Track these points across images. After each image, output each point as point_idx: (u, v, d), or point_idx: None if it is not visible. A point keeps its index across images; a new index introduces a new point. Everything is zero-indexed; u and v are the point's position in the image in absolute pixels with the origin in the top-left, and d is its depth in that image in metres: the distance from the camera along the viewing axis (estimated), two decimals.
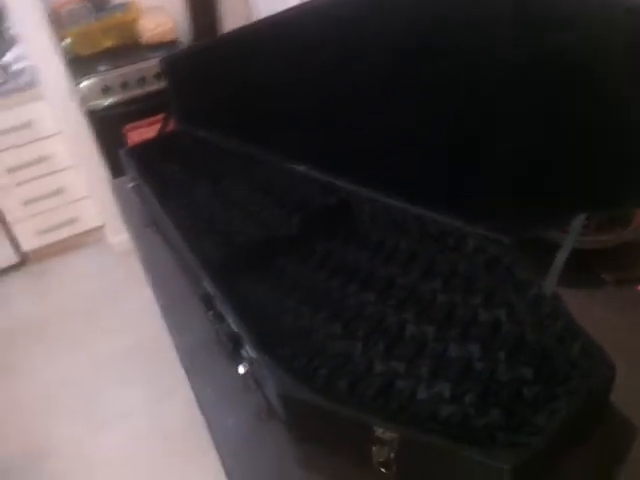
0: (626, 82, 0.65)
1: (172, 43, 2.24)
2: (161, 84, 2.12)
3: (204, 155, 1.29)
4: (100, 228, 2.48)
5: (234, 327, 0.78)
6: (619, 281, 0.86)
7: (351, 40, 0.93)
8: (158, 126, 2.26)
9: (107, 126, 2.15)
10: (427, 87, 0.85)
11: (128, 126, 2.17)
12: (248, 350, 0.75)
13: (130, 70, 2.10)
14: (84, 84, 2.11)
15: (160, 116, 2.33)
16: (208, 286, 0.86)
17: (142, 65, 2.11)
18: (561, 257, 0.74)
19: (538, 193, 0.78)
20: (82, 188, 2.35)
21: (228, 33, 1.15)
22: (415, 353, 0.76)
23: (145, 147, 1.37)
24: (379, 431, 0.61)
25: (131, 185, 1.26)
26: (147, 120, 2.17)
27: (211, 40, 1.42)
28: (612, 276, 0.86)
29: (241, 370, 0.74)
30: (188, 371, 0.86)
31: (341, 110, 1.01)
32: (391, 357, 0.75)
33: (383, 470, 0.64)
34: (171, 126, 1.46)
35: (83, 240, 2.51)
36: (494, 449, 0.59)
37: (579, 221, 0.74)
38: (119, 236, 2.36)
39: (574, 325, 0.69)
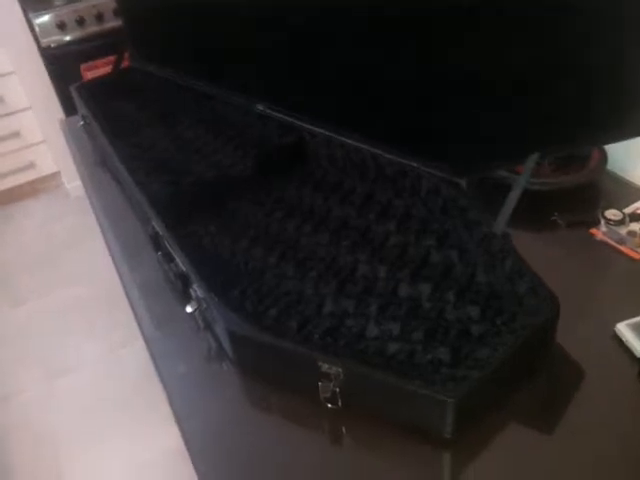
0: (580, 17, 0.63)
1: None
2: (120, 21, 2.01)
3: (158, 93, 1.23)
4: (57, 174, 2.40)
5: (182, 266, 0.76)
6: (571, 224, 0.86)
7: None
8: None
9: (63, 65, 2.04)
10: (381, 23, 0.82)
11: (84, 65, 2.06)
12: (197, 290, 0.73)
13: (87, 5, 1.98)
14: (38, 20, 1.98)
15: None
16: (156, 225, 0.83)
17: (100, 0, 1.98)
18: (512, 197, 0.73)
19: (490, 132, 0.76)
20: (39, 132, 2.25)
21: None
22: (365, 292, 0.75)
23: (97, 84, 1.31)
24: (324, 366, 0.61)
25: (81, 123, 1.20)
26: (105, 59, 2.07)
27: None
28: (564, 218, 0.86)
29: (189, 309, 0.73)
30: (137, 314, 0.84)
31: (298, 46, 0.97)
32: (342, 296, 0.75)
33: (329, 405, 0.64)
34: (126, 62, 1.39)
35: (40, 186, 2.42)
36: (437, 382, 0.59)
37: (532, 161, 0.73)
38: (76, 182, 2.28)
39: (522, 264, 0.69)
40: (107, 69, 2.09)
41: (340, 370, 0.60)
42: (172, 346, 0.78)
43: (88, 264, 2.07)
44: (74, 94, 1.27)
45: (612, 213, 0.84)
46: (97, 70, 2.07)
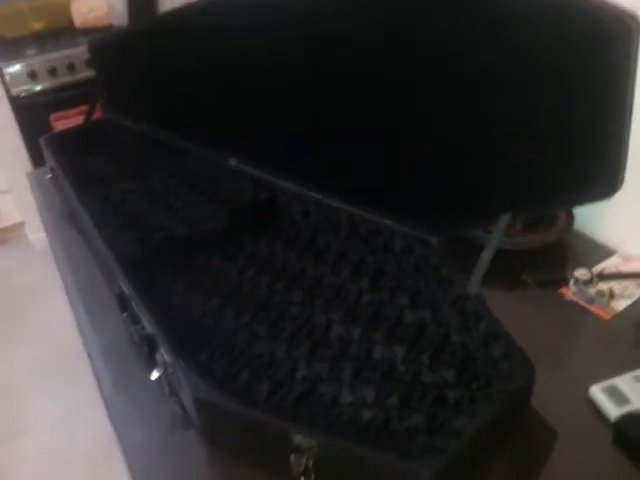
0: (550, 84, 0.65)
1: (107, 29, 2.13)
2: (92, 71, 2.02)
3: (129, 146, 1.22)
4: (21, 224, 2.34)
5: (149, 328, 0.73)
6: (541, 283, 0.87)
7: (285, 26, 0.90)
8: None
9: (32, 115, 2.03)
10: (355, 83, 0.84)
11: (55, 115, 2.05)
12: (163, 354, 0.70)
13: (59, 55, 1.99)
14: (9, 69, 1.98)
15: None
16: (123, 284, 0.81)
17: (72, 51, 2.00)
18: (485, 257, 0.74)
19: (463, 192, 0.77)
20: (4, 181, 2.20)
21: (157, 17, 1.09)
22: (339, 355, 0.73)
23: (67, 136, 1.29)
24: (297, 438, 0.58)
25: (49, 176, 1.18)
26: (75, 109, 2.06)
27: (140, 24, 1.35)
28: (534, 278, 0.87)
29: (154, 375, 0.70)
30: (99, 376, 0.80)
31: (271, 103, 0.98)
32: (315, 359, 0.73)
33: None
34: (98, 114, 1.39)
35: (3, 236, 2.35)
36: (413, 454, 0.57)
37: (504, 221, 0.74)
38: (40, 233, 2.23)
39: (496, 326, 0.69)
40: (78, 119, 2.09)
41: (314, 442, 0.57)
42: (134, 412, 0.75)
43: (50, 321, 1.99)
44: (43, 146, 1.25)
45: (581, 273, 0.85)
46: (67, 120, 2.06)
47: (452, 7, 0.69)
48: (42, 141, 1.26)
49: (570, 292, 0.85)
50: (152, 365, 0.74)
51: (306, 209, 0.98)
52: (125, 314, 0.81)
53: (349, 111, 0.87)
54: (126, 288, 0.80)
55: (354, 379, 0.70)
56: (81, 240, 1.04)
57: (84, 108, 2.08)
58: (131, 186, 1.09)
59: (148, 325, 0.74)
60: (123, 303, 0.81)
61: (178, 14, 1.07)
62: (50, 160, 1.20)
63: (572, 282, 0.85)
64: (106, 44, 1.26)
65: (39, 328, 1.98)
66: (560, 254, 0.93)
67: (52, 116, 2.04)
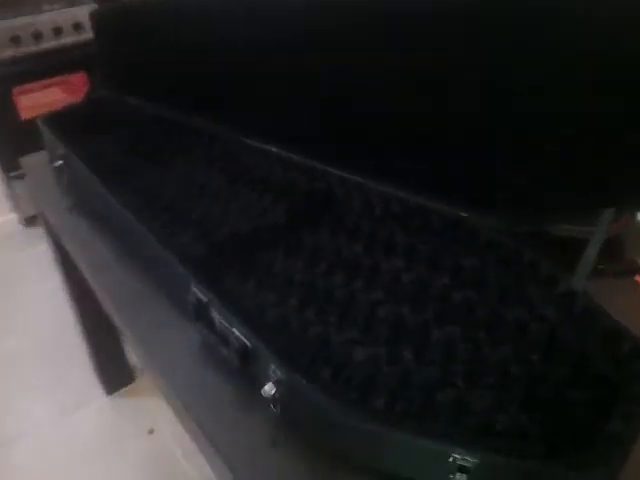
0: None
1: None
2: (60, 41, 1.83)
3: (147, 128, 1.11)
4: None
5: (245, 339, 0.66)
6: (616, 272, 0.86)
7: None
8: (54, 90, 1.97)
9: None
10: (425, 62, 0.78)
11: (17, 88, 1.85)
12: (277, 370, 0.63)
13: (23, 22, 1.78)
14: None
15: (57, 79, 2.04)
16: (197, 289, 0.73)
17: (39, 17, 1.79)
18: (591, 252, 0.72)
19: (563, 182, 0.75)
20: None
21: None
22: (447, 358, 0.69)
23: (70, 115, 1.15)
24: (453, 457, 0.54)
25: (60, 163, 1.05)
26: (41, 82, 1.88)
27: None
28: (609, 267, 0.87)
29: (268, 391, 0.63)
30: (179, 392, 0.73)
31: (313, 82, 0.90)
32: (423, 364, 0.69)
33: None
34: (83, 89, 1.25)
35: None
36: (586, 464, 0.54)
37: (608, 215, 0.72)
38: (2, 217, 2.04)
39: (616, 324, 0.67)
40: (44, 92, 1.90)
41: (476, 462, 0.54)
42: (223, 423, 0.68)
43: (22, 313, 1.82)
44: (42, 128, 1.11)
45: None
46: (33, 94, 1.87)
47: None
48: (40, 122, 1.12)
49: None
50: (243, 377, 0.68)
51: (368, 199, 0.92)
52: (200, 323, 0.73)
53: (413, 91, 0.81)
54: (203, 294, 0.72)
55: (470, 384, 0.66)
56: (103, 234, 0.94)
57: (51, 81, 1.90)
58: (166, 176, 0.99)
59: (243, 336, 0.67)
60: (198, 310, 0.73)
61: None
62: (55, 145, 1.07)
63: None
64: (113, 15, 1.13)
65: (11, 322, 1.81)
66: (626, 242, 0.93)
67: (15, 89, 1.84)
